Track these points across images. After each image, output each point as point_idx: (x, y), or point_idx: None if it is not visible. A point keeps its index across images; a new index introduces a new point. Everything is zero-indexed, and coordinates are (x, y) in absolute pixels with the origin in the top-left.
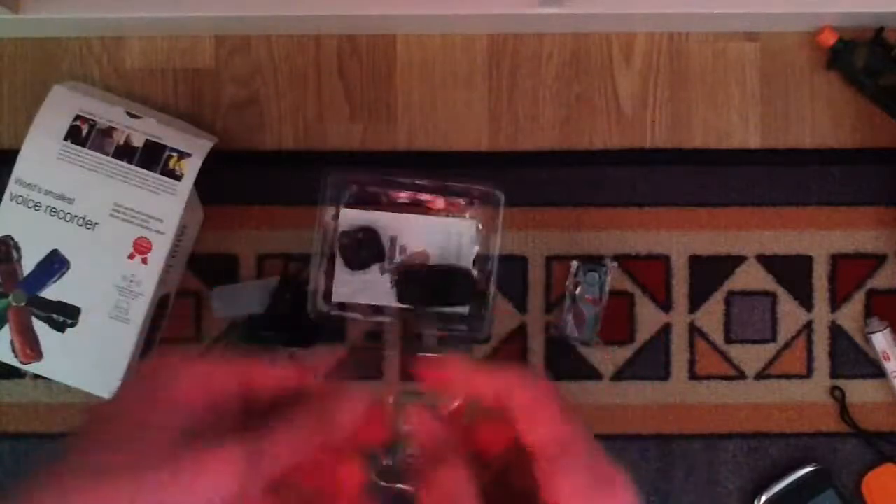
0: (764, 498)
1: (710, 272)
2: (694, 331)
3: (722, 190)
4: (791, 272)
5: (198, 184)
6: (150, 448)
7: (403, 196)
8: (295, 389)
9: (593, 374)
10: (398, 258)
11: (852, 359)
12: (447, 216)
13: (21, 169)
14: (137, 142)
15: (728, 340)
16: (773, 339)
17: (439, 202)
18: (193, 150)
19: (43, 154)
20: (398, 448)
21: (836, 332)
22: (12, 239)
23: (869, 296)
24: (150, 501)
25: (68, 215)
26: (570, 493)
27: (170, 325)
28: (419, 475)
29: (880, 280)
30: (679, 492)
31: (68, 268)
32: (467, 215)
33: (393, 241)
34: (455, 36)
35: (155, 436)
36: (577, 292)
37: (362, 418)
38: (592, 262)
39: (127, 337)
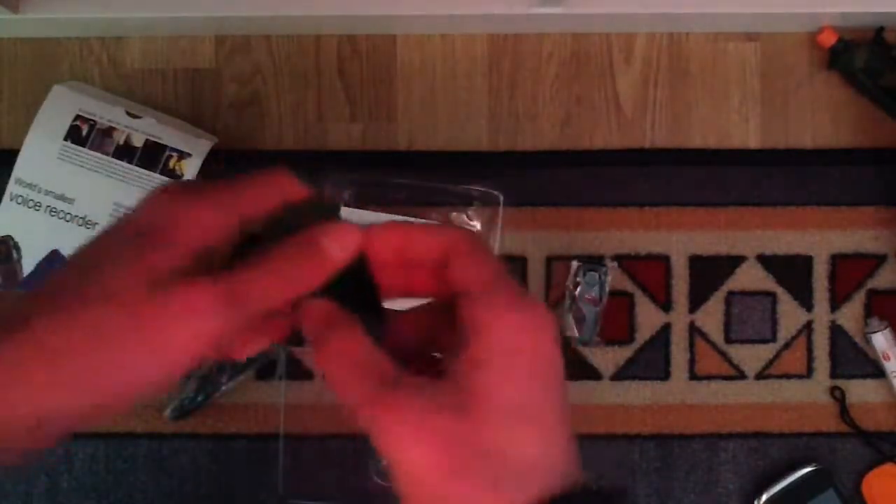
0: (764, 498)
1: (710, 272)
2: (694, 331)
3: (722, 190)
4: (791, 272)
5: None
6: (124, 287)
7: (403, 196)
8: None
9: (593, 374)
10: None
11: (852, 359)
12: (447, 217)
13: (21, 169)
14: (137, 142)
15: (728, 340)
16: (773, 339)
17: (439, 202)
18: (193, 150)
19: (43, 154)
20: None
21: (836, 332)
22: (12, 239)
23: (869, 296)
24: (117, 342)
25: (68, 215)
26: (490, 314)
27: None
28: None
29: (880, 280)
30: (679, 492)
31: None
32: (467, 216)
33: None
34: (455, 36)
35: (135, 275)
36: (577, 292)
37: (354, 252)
38: (592, 262)
39: None
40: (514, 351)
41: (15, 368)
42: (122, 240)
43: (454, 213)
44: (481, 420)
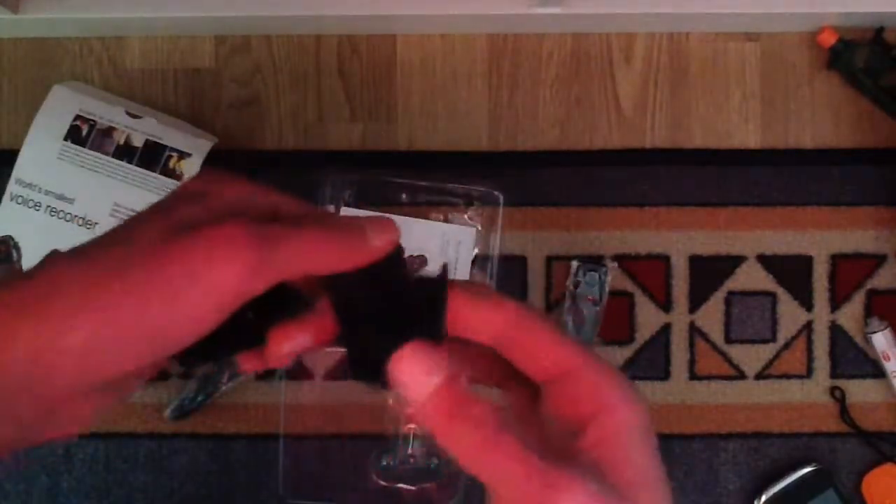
0: (764, 498)
1: (710, 272)
2: (694, 331)
3: (722, 190)
4: (791, 272)
5: None
6: (152, 231)
7: (403, 196)
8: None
9: None
10: None
11: (852, 359)
12: (447, 217)
13: (21, 169)
14: (137, 142)
15: (728, 340)
16: (773, 339)
17: (439, 202)
18: (193, 150)
19: (43, 154)
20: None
21: (836, 332)
22: (12, 239)
23: (869, 296)
24: (136, 283)
25: (68, 215)
26: (608, 398)
27: None
28: None
29: (880, 280)
30: (679, 492)
31: None
32: (467, 216)
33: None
34: (455, 36)
35: (163, 221)
36: (577, 292)
37: (392, 247)
38: (592, 262)
39: None
40: (634, 427)
41: (33, 304)
42: (154, 207)
43: (454, 214)
44: (633, 499)
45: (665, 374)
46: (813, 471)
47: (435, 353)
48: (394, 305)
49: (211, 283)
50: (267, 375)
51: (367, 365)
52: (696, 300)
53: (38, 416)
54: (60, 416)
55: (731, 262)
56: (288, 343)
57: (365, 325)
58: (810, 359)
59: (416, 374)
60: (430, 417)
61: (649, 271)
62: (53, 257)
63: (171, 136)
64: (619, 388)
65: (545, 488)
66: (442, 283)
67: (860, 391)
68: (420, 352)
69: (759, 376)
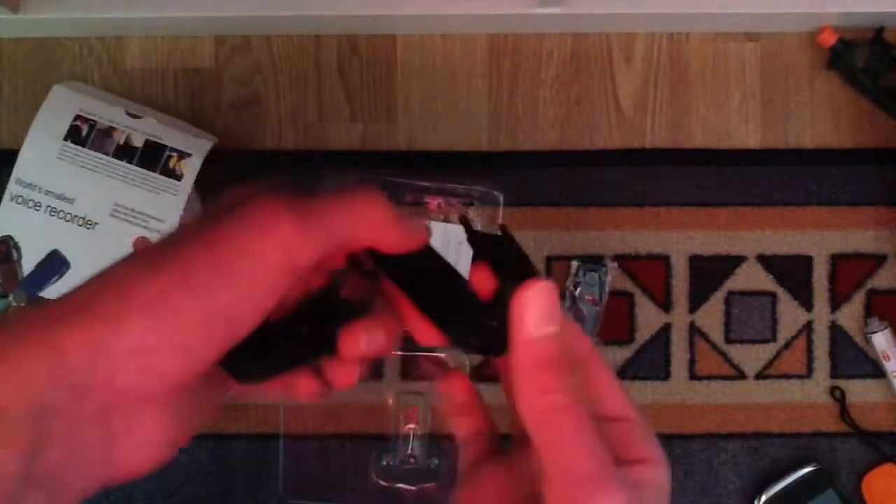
0: (764, 498)
1: (710, 272)
2: (694, 331)
3: (722, 190)
4: (791, 272)
5: (198, 184)
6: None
7: (403, 196)
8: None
9: None
10: None
11: (852, 359)
12: (447, 217)
13: (21, 169)
14: (137, 142)
15: (728, 340)
16: (773, 339)
17: (439, 203)
18: (193, 150)
19: (43, 154)
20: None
21: (836, 332)
22: (12, 239)
23: (869, 296)
24: (188, 263)
25: (68, 215)
26: (653, 454)
27: None
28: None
29: (880, 280)
30: (679, 492)
31: (68, 268)
32: (467, 216)
33: None
34: (455, 36)
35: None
36: (577, 292)
37: (426, 241)
38: (592, 262)
39: None
40: (664, 488)
41: (73, 304)
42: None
43: (454, 214)
44: None
45: (665, 374)
46: (813, 471)
47: (557, 303)
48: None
49: (258, 254)
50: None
51: (467, 325)
52: (696, 300)
53: (105, 438)
54: (129, 443)
55: (731, 262)
56: (363, 340)
57: (448, 287)
58: (810, 359)
59: (539, 309)
60: (522, 361)
61: (649, 271)
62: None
63: (171, 136)
64: (660, 451)
65: (594, 480)
66: (505, 234)
67: (860, 391)
68: (549, 292)
69: (759, 376)
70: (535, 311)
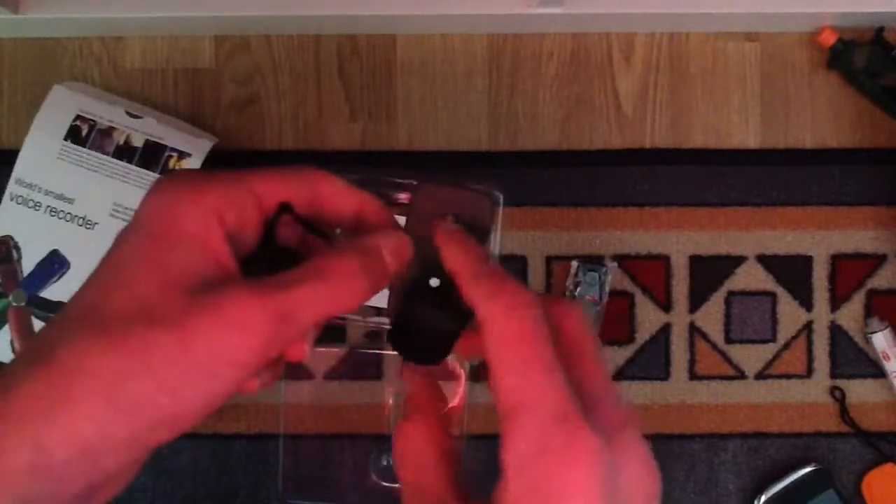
0: (764, 498)
1: (710, 272)
2: (694, 331)
3: (722, 190)
4: (791, 272)
5: None
6: (161, 298)
7: (403, 197)
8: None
9: None
10: None
11: (852, 359)
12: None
13: (21, 169)
14: (137, 142)
15: (728, 340)
16: (773, 339)
17: None
18: (193, 150)
19: (43, 154)
20: None
21: (836, 332)
22: (12, 239)
23: (869, 296)
24: (164, 361)
25: (68, 215)
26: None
27: None
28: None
29: (880, 280)
30: (679, 492)
31: (68, 268)
32: None
33: None
34: (455, 36)
35: (167, 283)
36: (577, 292)
37: (406, 256)
38: (592, 262)
39: None
40: (648, 496)
41: (51, 394)
42: (135, 245)
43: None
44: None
45: (665, 374)
46: (813, 471)
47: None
48: None
49: (231, 355)
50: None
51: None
52: (696, 300)
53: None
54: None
55: (731, 262)
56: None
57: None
58: (810, 359)
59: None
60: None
61: (649, 271)
62: (61, 327)
63: (171, 136)
64: (643, 457)
65: (567, 418)
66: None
67: (860, 391)
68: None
69: (759, 376)
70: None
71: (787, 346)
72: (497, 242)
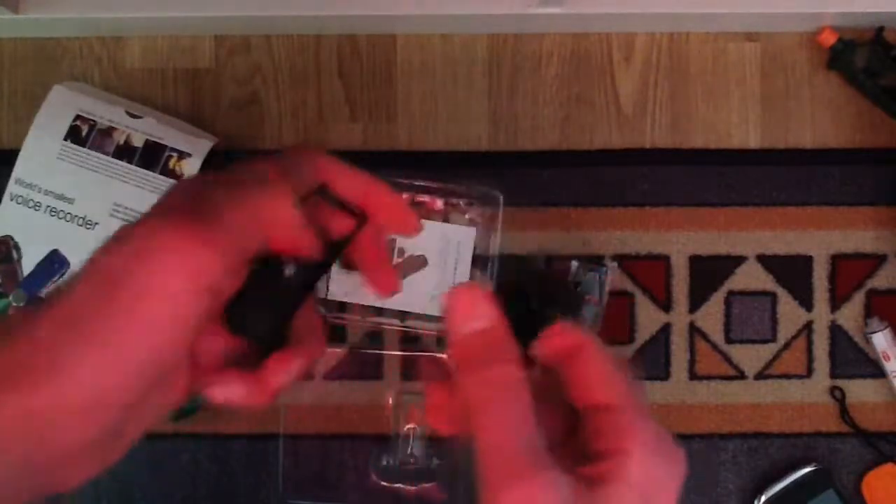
0: (764, 498)
1: (710, 272)
2: (694, 331)
3: (722, 190)
4: (791, 272)
5: None
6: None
7: (403, 196)
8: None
9: None
10: (395, 260)
11: (852, 359)
12: (447, 217)
13: (21, 169)
14: (137, 142)
15: (728, 340)
16: (773, 339)
17: (439, 203)
18: (193, 150)
19: (43, 154)
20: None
21: (836, 332)
22: (12, 239)
23: (869, 296)
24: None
25: (68, 215)
26: (632, 444)
27: None
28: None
29: (880, 280)
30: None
31: (68, 268)
32: (467, 216)
33: (391, 242)
34: (455, 36)
35: None
36: (577, 292)
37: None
38: (592, 262)
39: None
40: (649, 495)
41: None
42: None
43: (454, 214)
44: None
45: (665, 374)
46: (813, 471)
47: (488, 300)
48: None
49: (161, 288)
50: None
51: None
52: (696, 300)
53: (38, 479)
54: (64, 475)
55: (731, 262)
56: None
57: None
58: (810, 359)
59: (464, 307)
60: (455, 357)
61: (649, 271)
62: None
63: (171, 136)
64: (643, 441)
65: (513, 477)
66: None
67: (860, 391)
68: (470, 290)
69: (759, 376)
70: (459, 309)
71: (787, 346)
72: (497, 242)
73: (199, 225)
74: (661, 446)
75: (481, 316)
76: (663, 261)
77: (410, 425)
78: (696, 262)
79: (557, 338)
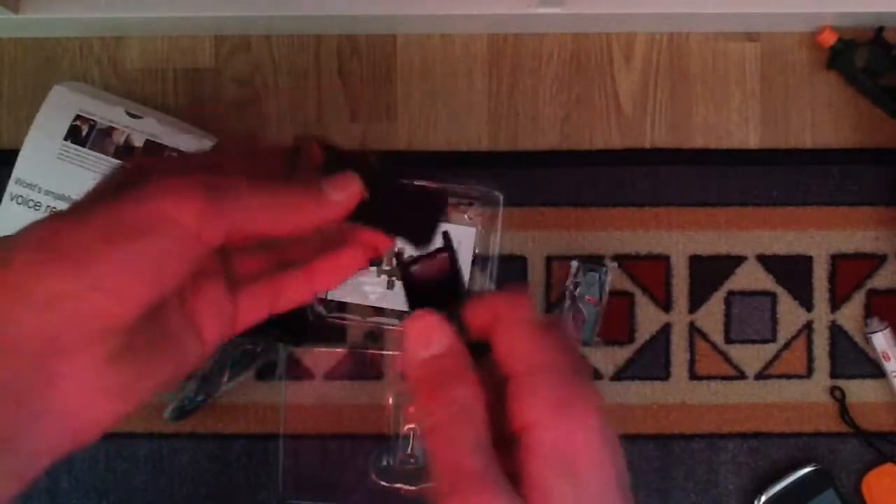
0: (764, 498)
1: (710, 272)
2: (694, 331)
3: (722, 190)
4: (791, 272)
5: None
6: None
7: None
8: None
9: (593, 374)
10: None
11: (852, 359)
12: (447, 217)
13: (21, 169)
14: (137, 142)
15: (728, 340)
16: (773, 339)
17: None
18: (193, 151)
19: (43, 154)
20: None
21: (836, 332)
22: None
23: (869, 296)
24: (102, 220)
25: None
26: (533, 414)
27: None
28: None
29: (880, 280)
30: (679, 492)
31: None
32: (467, 216)
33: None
34: (455, 36)
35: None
36: (577, 292)
37: (353, 202)
38: (592, 262)
39: None
40: (569, 460)
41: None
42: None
43: (454, 214)
44: None
45: (665, 374)
46: (813, 471)
47: (444, 326)
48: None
49: (175, 218)
50: (267, 375)
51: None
52: (696, 300)
53: (45, 383)
54: (79, 419)
55: (731, 262)
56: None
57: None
58: (810, 359)
59: (419, 334)
60: (412, 381)
61: (649, 271)
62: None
63: (171, 136)
64: (552, 406)
65: (463, 495)
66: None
67: (860, 391)
68: (420, 320)
69: (759, 376)
70: (414, 336)
71: (787, 346)
72: (497, 242)
73: (214, 193)
74: (569, 399)
75: (436, 343)
76: (663, 261)
77: (410, 425)
78: (696, 262)
79: (480, 308)
